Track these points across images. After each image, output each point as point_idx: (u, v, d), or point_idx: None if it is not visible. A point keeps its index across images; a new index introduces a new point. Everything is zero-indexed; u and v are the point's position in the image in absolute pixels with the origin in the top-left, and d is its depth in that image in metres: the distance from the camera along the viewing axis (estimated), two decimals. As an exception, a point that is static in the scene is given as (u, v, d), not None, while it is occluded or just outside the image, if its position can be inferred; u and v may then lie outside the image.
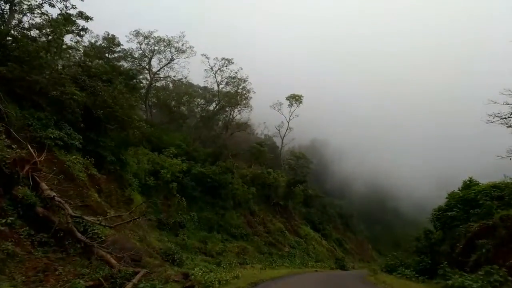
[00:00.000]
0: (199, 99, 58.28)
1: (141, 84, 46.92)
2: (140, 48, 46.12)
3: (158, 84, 53.33)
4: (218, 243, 36.56)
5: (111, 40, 46.65)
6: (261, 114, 66.26)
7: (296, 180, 54.22)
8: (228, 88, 52.22)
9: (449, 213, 23.84)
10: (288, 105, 59.98)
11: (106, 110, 24.51)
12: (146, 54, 46.39)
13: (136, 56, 44.59)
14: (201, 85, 51.75)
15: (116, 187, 25.75)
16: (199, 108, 55.44)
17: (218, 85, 49.89)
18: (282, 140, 58.36)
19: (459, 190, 26.47)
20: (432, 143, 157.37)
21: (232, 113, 55.22)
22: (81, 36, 34.00)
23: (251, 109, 52.99)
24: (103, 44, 46.10)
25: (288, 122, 58.85)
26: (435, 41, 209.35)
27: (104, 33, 46.40)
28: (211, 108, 53.96)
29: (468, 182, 26.29)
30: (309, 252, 46.63)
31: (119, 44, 47.18)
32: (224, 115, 54.75)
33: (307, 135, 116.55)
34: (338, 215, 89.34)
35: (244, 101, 51.09)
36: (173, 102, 56.82)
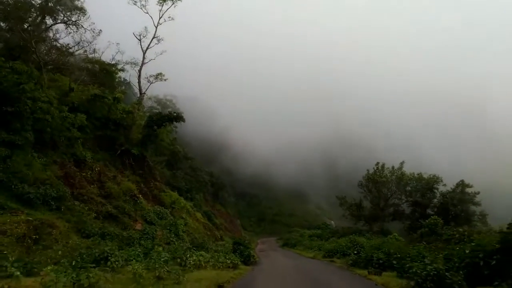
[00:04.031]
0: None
1: None
2: None
3: None
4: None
5: None
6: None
7: (164, 116, 33.28)
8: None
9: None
10: (158, 2, 37.80)
11: None
12: None
13: None
14: None
15: None
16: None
17: None
18: (144, 53, 36.01)
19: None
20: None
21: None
22: None
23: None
24: None
25: (156, 27, 36.96)
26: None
27: None
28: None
29: None
30: (178, 231, 27.23)
31: None
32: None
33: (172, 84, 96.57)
34: (210, 183, 71.93)
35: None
36: None
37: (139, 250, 15.80)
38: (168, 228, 26.86)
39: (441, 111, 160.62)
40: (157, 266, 12.56)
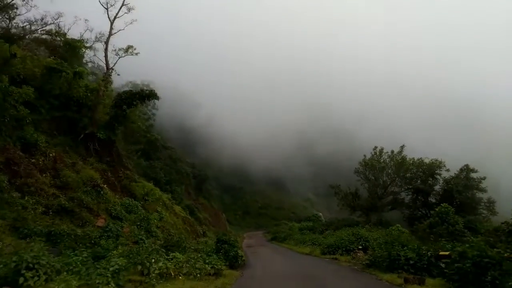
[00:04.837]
0: None
1: None
2: None
3: None
4: None
5: None
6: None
7: (135, 93, 28.24)
8: None
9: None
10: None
11: None
12: None
13: None
14: None
15: None
16: None
17: None
18: (112, 23, 30.88)
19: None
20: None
21: None
22: None
23: None
24: None
25: (125, -7, 31.81)
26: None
27: None
28: None
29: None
30: (151, 228, 22.85)
31: None
32: None
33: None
34: (192, 175, 67.38)
35: None
36: None
37: (85, 255, 11.37)
38: (138, 223, 22.46)
39: (431, 105, 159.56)
40: (98, 281, 8.23)
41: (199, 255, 14.54)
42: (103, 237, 18.02)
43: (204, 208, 68.67)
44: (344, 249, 23.42)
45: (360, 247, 22.99)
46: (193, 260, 13.01)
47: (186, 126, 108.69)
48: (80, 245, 16.53)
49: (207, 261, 13.78)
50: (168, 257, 13.95)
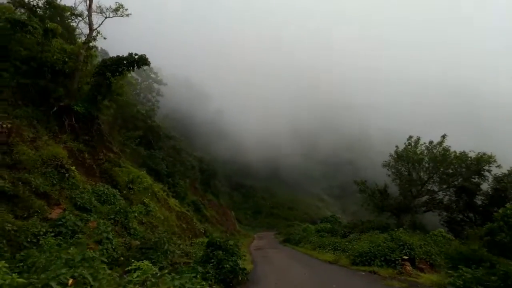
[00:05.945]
0: None
1: None
2: None
3: None
4: None
5: None
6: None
7: (122, 58, 22.77)
8: None
9: None
10: None
11: None
12: None
13: None
14: None
15: None
16: None
17: None
18: None
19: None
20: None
21: None
22: None
23: None
24: None
25: None
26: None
27: None
28: None
29: None
30: (129, 223, 17.47)
31: None
32: None
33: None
34: (198, 169, 62.12)
35: None
36: None
37: None
38: (113, 217, 17.05)
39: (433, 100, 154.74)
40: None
41: (166, 271, 8.87)
42: (51, 234, 12.74)
43: (212, 205, 63.59)
44: (382, 258, 17.67)
45: (405, 257, 17.25)
46: (152, 279, 7.48)
47: (197, 121, 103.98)
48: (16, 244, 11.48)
49: (176, 283, 8.06)
50: (130, 268, 8.49)
